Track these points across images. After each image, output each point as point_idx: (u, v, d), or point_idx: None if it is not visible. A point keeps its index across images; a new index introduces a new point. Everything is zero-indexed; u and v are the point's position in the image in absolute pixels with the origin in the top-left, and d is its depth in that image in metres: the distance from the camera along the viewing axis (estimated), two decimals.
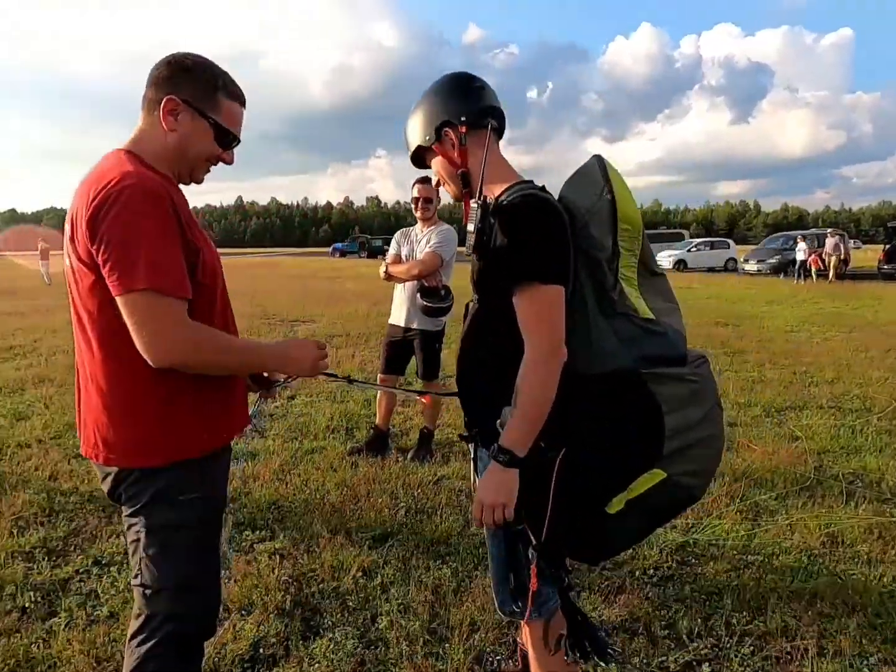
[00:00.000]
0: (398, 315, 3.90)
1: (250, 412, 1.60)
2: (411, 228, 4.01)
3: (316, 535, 2.88)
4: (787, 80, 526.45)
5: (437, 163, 1.53)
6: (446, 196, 1.63)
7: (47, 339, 8.49)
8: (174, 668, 1.40)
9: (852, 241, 29.90)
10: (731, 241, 30.15)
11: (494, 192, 1.46)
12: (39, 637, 2.19)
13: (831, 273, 19.84)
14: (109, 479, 1.38)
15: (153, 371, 1.26)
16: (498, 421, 1.44)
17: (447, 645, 2.13)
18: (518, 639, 2.06)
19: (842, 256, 20.11)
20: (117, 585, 2.50)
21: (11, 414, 4.92)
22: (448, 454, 4.00)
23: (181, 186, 1.44)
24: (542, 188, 1.44)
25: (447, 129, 1.46)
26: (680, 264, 26.43)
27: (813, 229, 24.25)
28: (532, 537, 1.42)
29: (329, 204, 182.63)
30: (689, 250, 27.55)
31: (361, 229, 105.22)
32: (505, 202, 1.39)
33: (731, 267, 26.99)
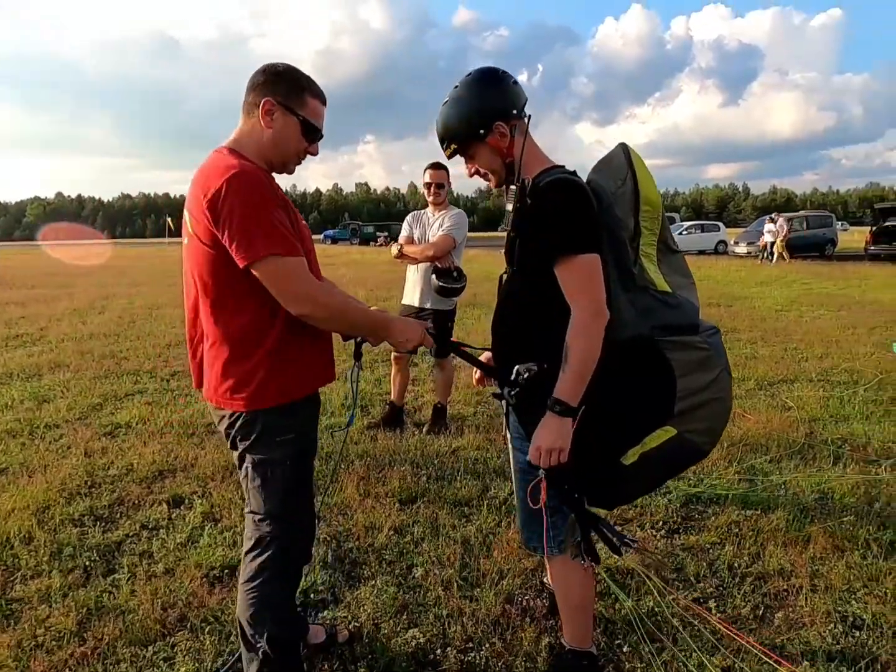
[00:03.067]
0: (412, 296, 4.08)
1: (346, 378, 1.86)
2: (422, 212, 4.18)
3: (347, 500, 3.10)
4: (778, 62, 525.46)
5: (484, 153, 1.66)
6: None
7: (53, 327, 8.60)
8: (280, 580, 1.71)
9: (840, 223, 30.22)
10: (721, 224, 30.47)
11: (531, 174, 1.64)
12: (105, 590, 2.39)
13: (780, 254, 20.67)
14: (225, 421, 1.64)
15: (258, 331, 1.55)
16: (517, 366, 1.61)
17: (478, 589, 2.36)
18: (544, 580, 2.29)
19: (783, 239, 20.75)
20: (168, 546, 2.70)
21: (34, 397, 5.08)
22: (462, 427, 4.22)
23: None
24: (574, 172, 1.64)
25: (499, 122, 1.61)
26: None
27: (802, 211, 24.53)
28: (553, 482, 1.60)
29: (318, 191, 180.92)
30: (680, 233, 27.80)
31: (351, 216, 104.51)
32: (541, 184, 1.57)
33: (721, 249, 27.29)
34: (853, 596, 2.30)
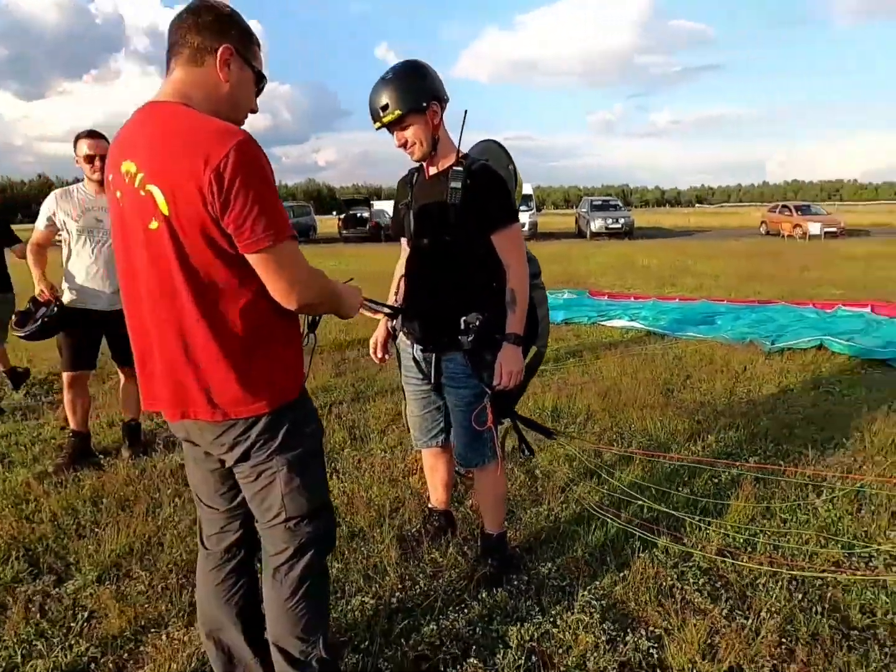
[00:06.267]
0: (95, 294, 3.22)
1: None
2: (73, 188, 3.29)
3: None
4: None
5: (421, 124, 1.90)
6: None
7: None
8: (322, 578, 1.58)
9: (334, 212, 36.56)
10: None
11: (451, 155, 1.96)
12: None
13: None
14: (234, 430, 1.37)
15: (261, 327, 1.34)
16: (463, 318, 1.96)
17: (365, 547, 2.40)
18: (429, 505, 2.54)
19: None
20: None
21: None
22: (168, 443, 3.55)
23: None
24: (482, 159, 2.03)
25: (435, 101, 1.89)
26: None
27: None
28: (499, 402, 2.02)
29: None
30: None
31: None
32: (473, 166, 1.92)
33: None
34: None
